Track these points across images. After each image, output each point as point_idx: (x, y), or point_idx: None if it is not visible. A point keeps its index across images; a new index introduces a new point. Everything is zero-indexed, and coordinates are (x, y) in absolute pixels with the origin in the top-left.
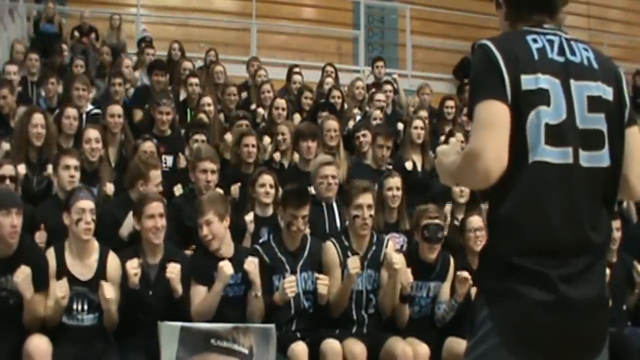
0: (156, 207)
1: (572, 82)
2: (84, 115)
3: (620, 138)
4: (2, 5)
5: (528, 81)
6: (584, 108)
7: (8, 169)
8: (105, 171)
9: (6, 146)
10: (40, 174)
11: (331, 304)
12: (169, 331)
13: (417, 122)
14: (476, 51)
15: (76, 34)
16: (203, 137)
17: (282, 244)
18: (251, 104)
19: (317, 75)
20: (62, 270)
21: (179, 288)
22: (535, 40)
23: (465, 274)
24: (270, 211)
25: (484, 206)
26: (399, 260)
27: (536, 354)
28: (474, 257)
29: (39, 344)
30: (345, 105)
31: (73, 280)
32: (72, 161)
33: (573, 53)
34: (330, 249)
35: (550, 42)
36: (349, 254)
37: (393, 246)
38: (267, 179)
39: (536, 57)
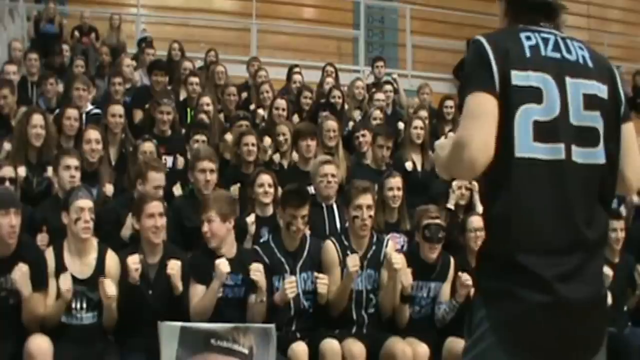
0: (156, 206)
1: (567, 79)
2: (84, 116)
3: (616, 135)
4: (2, 5)
5: (518, 77)
6: (579, 105)
7: (8, 171)
8: (105, 172)
9: (7, 146)
10: (41, 175)
11: (331, 303)
12: (169, 331)
13: (417, 122)
14: (470, 46)
15: (76, 34)
16: (203, 138)
17: (281, 245)
18: (251, 104)
19: (317, 75)
20: (61, 269)
21: (179, 285)
22: (528, 38)
23: (467, 277)
24: (270, 211)
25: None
26: (399, 260)
27: (533, 354)
28: (474, 257)
29: (41, 344)
30: (346, 106)
31: (71, 279)
32: (73, 161)
33: (569, 51)
34: (330, 248)
35: (545, 39)
36: (349, 253)
37: (393, 246)
38: (265, 178)
39: (528, 54)
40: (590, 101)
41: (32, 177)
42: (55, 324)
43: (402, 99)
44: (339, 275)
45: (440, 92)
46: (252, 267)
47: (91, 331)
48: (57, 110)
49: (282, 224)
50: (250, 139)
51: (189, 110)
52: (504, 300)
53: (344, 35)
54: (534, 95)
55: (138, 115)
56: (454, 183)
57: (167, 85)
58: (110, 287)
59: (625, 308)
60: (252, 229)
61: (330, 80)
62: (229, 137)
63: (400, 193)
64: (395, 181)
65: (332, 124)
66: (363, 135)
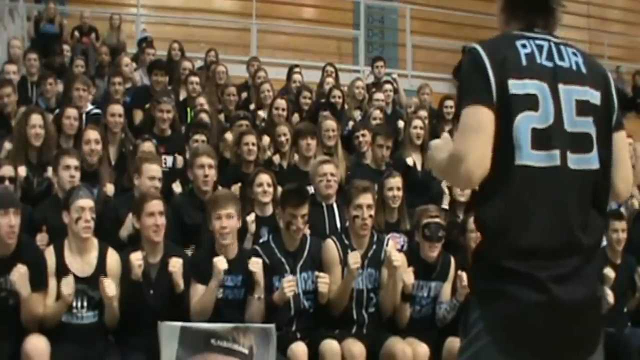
0: (156, 204)
1: (560, 86)
2: (84, 116)
3: (608, 141)
4: (2, 5)
5: (515, 86)
6: (572, 112)
7: (7, 170)
8: (105, 172)
9: (8, 146)
10: (41, 175)
11: (332, 302)
12: (169, 331)
13: (417, 122)
14: (466, 55)
15: (76, 34)
16: (203, 137)
17: (281, 244)
18: (251, 104)
19: (317, 75)
20: (61, 268)
21: (180, 283)
22: (524, 46)
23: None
24: (269, 211)
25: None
26: (399, 257)
27: (527, 354)
28: None
29: (38, 344)
30: (345, 106)
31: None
32: (72, 161)
33: (562, 58)
34: (331, 246)
35: (539, 47)
36: (349, 252)
37: (394, 245)
38: (264, 178)
39: (524, 62)
40: (583, 107)
41: (32, 177)
42: (54, 323)
43: (402, 99)
44: (340, 274)
45: (440, 92)
46: (251, 260)
47: (91, 331)
48: (56, 110)
49: (282, 223)
50: (251, 138)
51: (189, 110)
52: (498, 300)
53: (344, 35)
54: (531, 102)
55: (138, 115)
56: (443, 184)
57: (167, 85)
58: (110, 287)
59: (625, 309)
60: (252, 228)
61: (330, 80)
62: (229, 136)
63: (400, 193)
64: (395, 181)
65: (331, 123)
66: (363, 135)
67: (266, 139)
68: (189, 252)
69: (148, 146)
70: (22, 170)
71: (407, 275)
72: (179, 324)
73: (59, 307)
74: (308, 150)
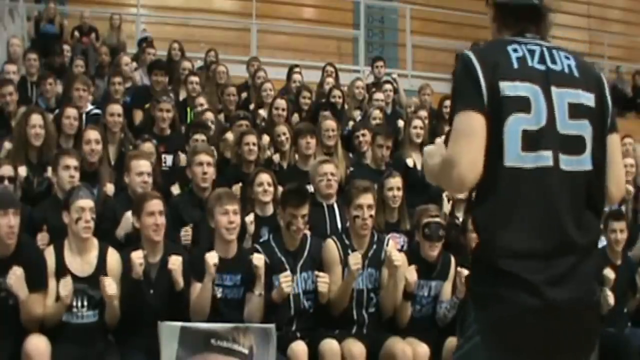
0: (156, 204)
1: (553, 89)
2: (84, 116)
3: (602, 143)
4: (2, 5)
5: (507, 88)
6: (565, 114)
7: (7, 170)
8: (105, 171)
9: (8, 146)
10: (41, 175)
11: (332, 302)
12: (169, 331)
13: (417, 122)
14: (458, 61)
15: (76, 34)
16: (203, 137)
17: (281, 244)
18: (251, 104)
19: (317, 75)
20: (61, 268)
21: (180, 280)
22: (515, 50)
23: (466, 272)
24: (270, 210)
25: None
26: (399, 257)
27: (517, 356)
28: None
29: (38, 344)
30: (345, 106)
31: (72, 277)
32: (72, 161)
33: (554, 61)
34: (331, 246)
35: (531, 51)
36: (350, 252)
37: (394, 245)
38: (264, 177)
39: (516, 65)
40: (576, 109)
41: (32, 177)
42: (55, 323)
43: (402, 99)
44: (340, 274)
45: (440, 92)
46: (254, 256)
47: (92, 330)
48: (56, 110)
49: (282, 223)
50: (251, 138)
51: (189, 110)
52: (493, 303)
53: (344, 35)
54: (523, 104)
55: (138, 115)
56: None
57: (167, 85)
58: (111, 286)
59: (625, 310)
60: (250, 228)
61: (330, 80)
62: (229, 135)
63: (400, 193)
64: (395, 181)
65: (330, 123)
66: (363, 135)
67: (266, 139)
68: (188, 230)
69: (148, 147)
70: (22, 170)
71: (410, 273)
72: (179, 324)
73: (58, 307)
74: (308, 148)
